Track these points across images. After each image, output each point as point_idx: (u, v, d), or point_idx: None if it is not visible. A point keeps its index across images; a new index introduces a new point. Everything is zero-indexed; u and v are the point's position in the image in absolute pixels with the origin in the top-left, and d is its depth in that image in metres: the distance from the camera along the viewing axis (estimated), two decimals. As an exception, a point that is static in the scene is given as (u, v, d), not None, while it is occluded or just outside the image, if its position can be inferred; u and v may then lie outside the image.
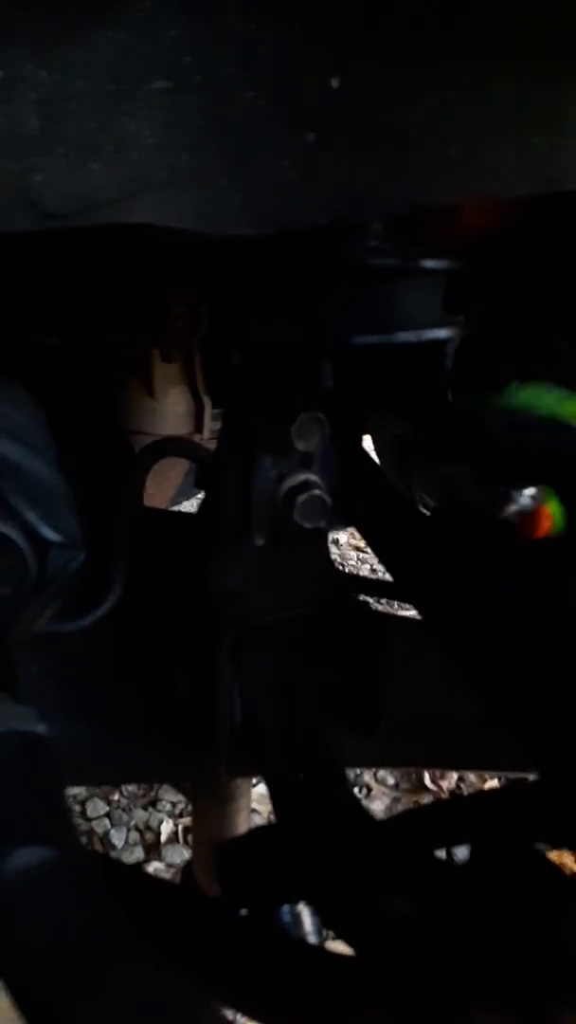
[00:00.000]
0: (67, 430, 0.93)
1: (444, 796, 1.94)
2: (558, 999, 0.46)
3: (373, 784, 1.98)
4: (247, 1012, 0.65)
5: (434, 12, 0.49)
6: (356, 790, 1.98)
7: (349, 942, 0.68)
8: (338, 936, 0.68)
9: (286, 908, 0.79)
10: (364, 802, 1.94)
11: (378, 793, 1.96)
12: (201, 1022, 0.36)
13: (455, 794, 1.95)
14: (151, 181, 0.49)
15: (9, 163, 0.46)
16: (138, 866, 1.73)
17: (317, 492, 0.73)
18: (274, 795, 0.77)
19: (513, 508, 0.60)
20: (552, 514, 0.64)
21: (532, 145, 0.55)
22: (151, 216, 0.49)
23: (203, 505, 0.81)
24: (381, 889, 0.69)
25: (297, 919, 0.80)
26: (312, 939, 0.81)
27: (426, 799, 1.95)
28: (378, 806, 1.94)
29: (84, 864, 0.42)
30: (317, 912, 0.80)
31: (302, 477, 0.74)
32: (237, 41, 0.47)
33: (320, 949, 0.70)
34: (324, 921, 0.77)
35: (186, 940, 0.65)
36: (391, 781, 1.99)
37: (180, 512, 0.99)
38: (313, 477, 0.74)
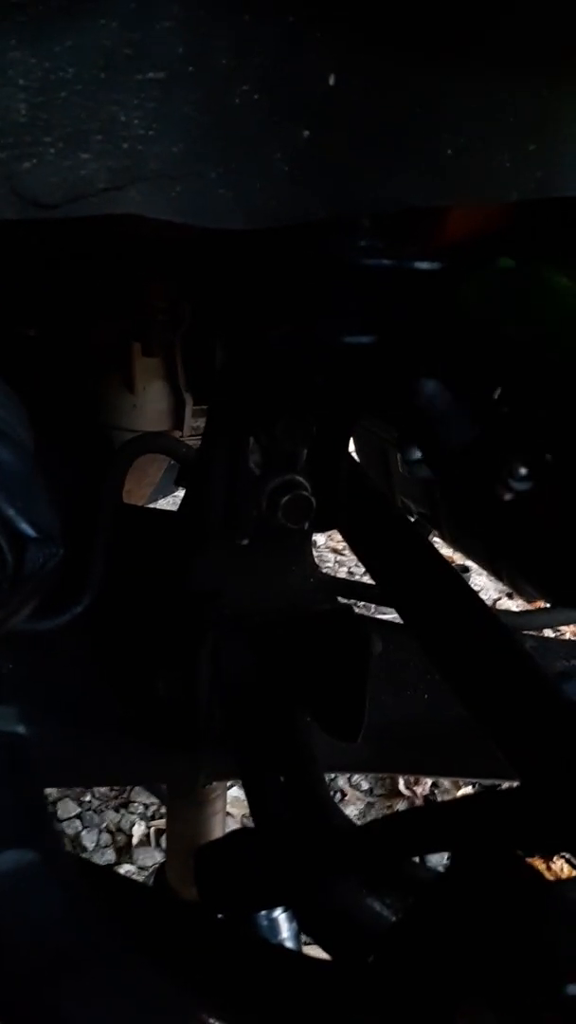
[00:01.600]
0: (46, 424, 0.92)
1: (418, 802, 1.94)
2: (538, 1002, 0.46)
3: (347, 789, 1.97)
4: (224, 1019, 0.64)
5: (433, 15, 0.49)
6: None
7: (327, 949, 0.67)
8: (316, 943, 0.68)
9: (263, 913, 0.78)
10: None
11: (352, 798, 1.96)
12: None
13: (429, 800, 1.95)
14: (141, 172, 0.48)
15: (-4, 151, 0.45)
16: (111, 869, 1.72)
17: (302, 493, 0.73)
18: (252, 798, 0.77)
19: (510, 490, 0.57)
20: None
21: (525, 149, 0.54)
22: (141, 207, 0.49)
23: (184, 503, 0.80)
24: (360, 894, 0.68)
25: (274, 924, 0.79)
26: (289, 944, 0.80)
27: (400, 805, 1.95)
28: (352, 811, 1.93)
29: (66, 866, 0.41)
30: (295, 917, 0.80)
31: (287, 477, 0.73)
32: (230, 34, 0.46)
33: (298, 955, 0.69)
34: (302, 927, 0.76)
35: (163, 945, 0.65)
36: (365, 786, 1.99)
37: (159, 510, 0.98)
38: (298, 478, 0.73)
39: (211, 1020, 0.56)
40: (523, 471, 0.52)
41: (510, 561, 0.69)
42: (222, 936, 0.63)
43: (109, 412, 1.13)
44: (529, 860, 0.57)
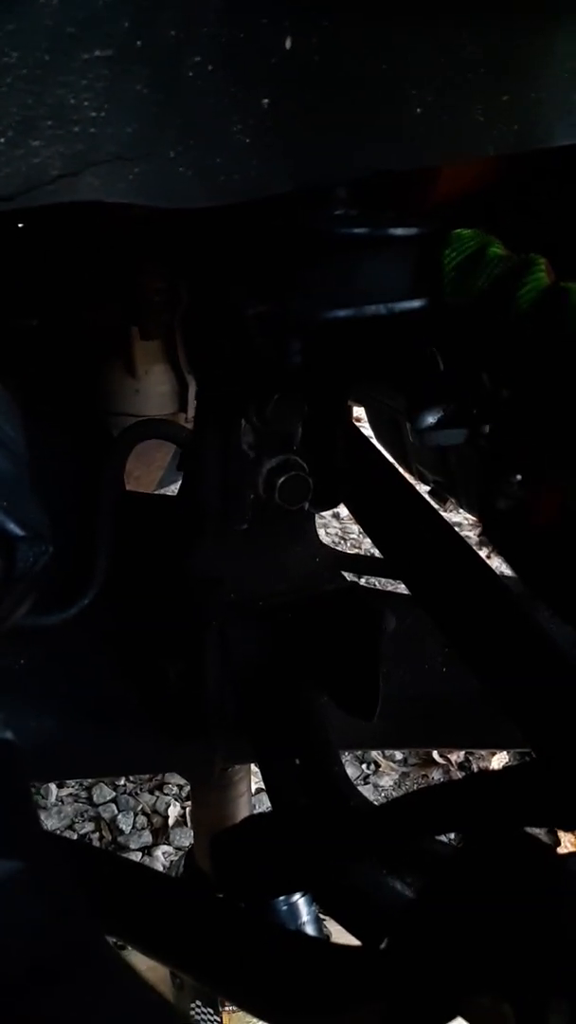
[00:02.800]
0: (48, 414, 0.91)
1: (453, 769, 1.93)
2: (551, 987, 0.45)
3: (381, 760, 1.97)
4: (244, 1006, 0.64)
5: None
6: (364, 766, 1.98)
7: (349, 929, 0.67)
8: (339, 924, 0.67)
9: (282, 898, 0.78)
10: (373, 778, 1.94)
11: (386, 769, 1.96)
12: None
13: (464, 767, 1.94)
14: (96, 156, 0.46)
15: (-56, 144, 0.44)
16: (137, 853, 1.73)
17: (298, 473, 0.71)
18: (268, 783, 0.76)
19: (506, 498, 0.56)
20: (561, 493, 0.59)
21: (499, 101, 0.52)
22: (99, 193, 0.47)
23: (182, 489, 0.79)
24: (380, 874, 0.68)
25: (294, 909, 0.79)
26: (309, 929, 0.80)
27: (435, 773, 1.94)
28: (387, 782, 1.93)
29: (54, 874, 0.41)
30: (314, 901, 0.79)
31: (282, 457, 0.72)
32: (178, 3, 0.44)
33: (316, 940, 0.69)
34: (324, 908, 0.76)
35: (182, 933, 0.65)
36: (399, 756, 1.99)
37: (164, 495, 0.97)
38: (294, 458, 0.72)
39: (227, 1003, 0.57)
40: (517, 477, 0.51)
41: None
42: (240, 923, 0.62)
43: (112, 398, 1.11)
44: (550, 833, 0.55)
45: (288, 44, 0.47)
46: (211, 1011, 1.01)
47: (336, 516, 3.03)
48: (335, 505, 0.78)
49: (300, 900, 0.79)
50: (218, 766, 0.84)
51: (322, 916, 0.83)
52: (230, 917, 0.64)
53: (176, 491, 1.00)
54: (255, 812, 0.99)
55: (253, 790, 1.06)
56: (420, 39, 0.49)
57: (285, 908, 0.78)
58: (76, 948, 0.37)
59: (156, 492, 1.40)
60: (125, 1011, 0.35)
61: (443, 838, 0.69)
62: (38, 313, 1.06)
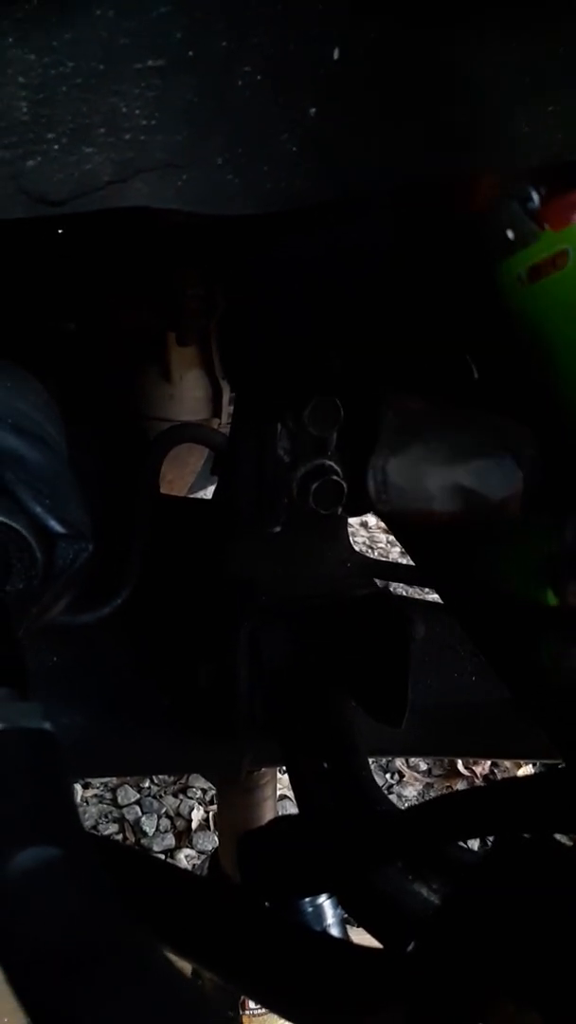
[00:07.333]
0: (83, 417, 0.93)
1: (478, 781, 1.92)
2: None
3: (405, 770, 1.97)
4: (268, 1005, 0.64)
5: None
6: (388, 776, 1.97)
7: (374, 934, 0.67)
8: (364, 928, 0.67)
9: (308, 900, 0.78)
10: (397, 788, 1.93)
11: (410, 779, 1.95)
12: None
13: (489, 779, 1.93)
14: (146, 162, 0.47)
15: (0, 150, 0.45)
16: (160, 856, 1.74)
17: (333, 477, 0.72)
18: (296, 785, 0.77)
19: None
20: None
21: (544, 111, 0.52)
22: (148, 199, 0.48)
23: (217, 492, 0.80)
24: (406, 879, 0.68)
25: (319, 911, 0.79)
26: (334, 931, 0.80)
27: (460, 785, 1.93)
28: (411, 792, 1.92)
29: (90, 863, 0.41)
30: (339, 904, 0.80)
31: (317, 462, 0.72)
32: (228, 14, 0.45)
33: (341, 941, 0.69)
34: (348, 912, 0.76)
35: (208, 932, 0.65)
36: (423, 767, 1.98)
37: (197, 499, 0.98)
38: (328, 462, 0.72)
39: (249, 1002, 0.57)
40: None
41: None
42: (265, 923, 0.63)
43: (147, 403, 1.13)
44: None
45: (336, 55, 0.48)
46: (232, 1014, 1.02)
47: (364, 525, 3.03)
48: (368, 511, 0.78)
49: (326, 902, 0.79)
50: (245, 768, 0.85)
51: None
52: (256, 916, 0.65)
53: (206, 496, 1.01)
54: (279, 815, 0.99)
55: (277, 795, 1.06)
56: (466, 49, 0.50)
57: (311, 909, 0.78)
58: (112, 937, 0.37)
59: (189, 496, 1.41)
60: (160, 1000, 0.35)
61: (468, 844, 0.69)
62: (76, 317, 1.07)
